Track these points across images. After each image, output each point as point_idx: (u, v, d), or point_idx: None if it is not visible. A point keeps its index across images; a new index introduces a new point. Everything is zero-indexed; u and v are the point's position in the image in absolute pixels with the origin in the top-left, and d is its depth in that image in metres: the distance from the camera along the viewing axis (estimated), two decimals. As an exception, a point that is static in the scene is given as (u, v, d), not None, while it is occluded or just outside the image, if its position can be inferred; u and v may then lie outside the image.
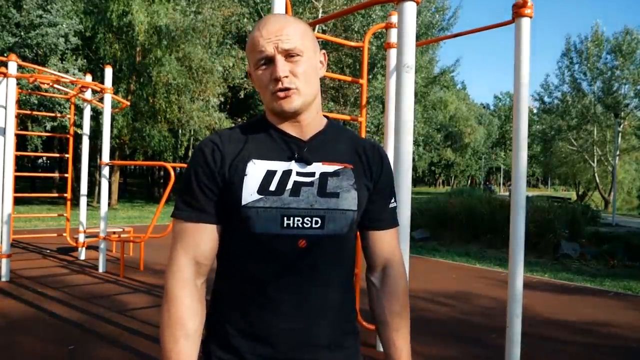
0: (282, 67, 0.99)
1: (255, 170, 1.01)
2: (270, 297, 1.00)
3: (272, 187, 1.00)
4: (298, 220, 0.99)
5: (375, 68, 20.26)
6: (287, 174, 1.02)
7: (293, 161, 1.03)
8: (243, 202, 0.99)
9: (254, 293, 1.00)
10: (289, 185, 1.01)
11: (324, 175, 1.03)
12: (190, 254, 1.02)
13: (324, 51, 1.11)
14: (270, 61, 1.00)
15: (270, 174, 1.01)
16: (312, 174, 1.03)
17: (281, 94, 1.00)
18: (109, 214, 6.91)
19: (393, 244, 1.15)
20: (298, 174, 1.02)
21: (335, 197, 1.02)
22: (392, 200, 1.15)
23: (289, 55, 1.00)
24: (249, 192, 0.99)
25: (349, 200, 1.03)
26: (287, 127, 1.06)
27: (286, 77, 0.99)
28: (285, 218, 0.99)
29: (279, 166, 1.02)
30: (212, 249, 1.04)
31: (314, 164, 1.04)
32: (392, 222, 1.15)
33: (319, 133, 1.08)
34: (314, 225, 1.00)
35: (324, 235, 1.01)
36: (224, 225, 1.05)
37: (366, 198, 1.08)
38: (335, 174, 1.04)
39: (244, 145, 1.05)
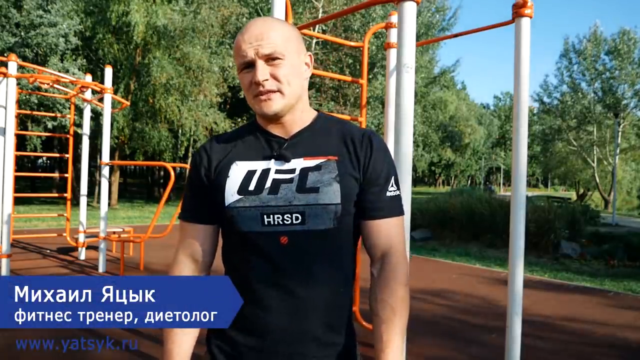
0: (262, 71, 1.01)
1: (237, 172, 1.05)
2: (257, 293, 1.03)
3: (251, 187, 1.03)
4: (278, 218, 1.01)
5: (375, 68, 20.26)
6: (265, 172, 1.05)
7: (272, 160, 1.06)
8: (226, 203, 1.03)
9: (242, 289, 1.01)
10: (268, 184, 1.03)
11: (305, 171, 1.04)
12: (187, 251, 1.11)
13: (309, 53, 1.12)
14: (251, 65, 1.03)
15: (250, 174, 1.05)
16: (292, 171, 1.04)
17: (262, 97, 1.03)
18: (109, 214, 6.91)
19: (392, 233, 1.08)
20: (277, 171, 1.05)
21: (314, 192, 1.02)
22: (391, 188, 1.09)
23: (269, 59, 1.02)
24: (230, 193, 1.03)
25: (330, 194, 1.01)
26: (272, 128, 1.09)
27: (266, 80, 1.02)
28: (265, 216, 1.01)
29: (259, 165, 1.06)
30: (208, 246, 1.11)
31: (295, 160, 1.05)
32: (390, 210, 1.08)
33: (304, 129, 1.10)
34: (294, 222, 1.01)
35: (305, 231, 1.01)
36: (219, 224, 1.12)
37: (355, 189, 1.05)
38: (316, 168, 1.04)
39: (231, 148, 1.10)
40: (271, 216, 1.01)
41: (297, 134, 1.09)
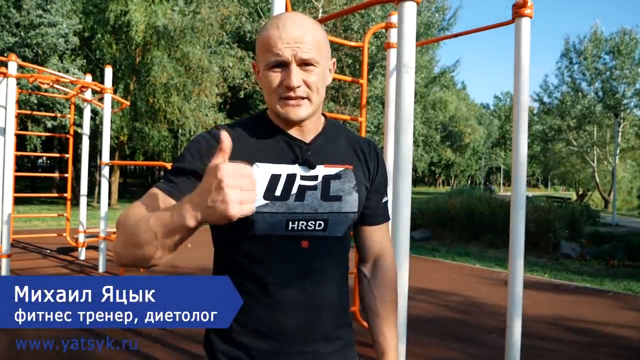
0: (297, 76, 0.98)
1: (260, 175, 1.00)
2: (273, 296, 1.02)
3: (278, 192, 1.01)
4: (302, 224, 1.02)
5: (375, 68, 20.26)
6: (291, 178, 1.03)
7: (297, 164, 1.04)
8: None
9: (257, 292, 1.01)
10: (294, 190, 1.02)
11: (327, 179, 1.05)
12: (149, 206, 0.95)
13: (334, 60, 1.10)
14: (284, 65, 0.98)
15: (275, 178, 1.01)
16: (315, 178, 1.04)
17: (291, 102, 1.00)
18: (109, 214, 6.92)
19: (385, 237, 1.20)
20: (302, 177, 1.03)
21: (338, 201, 1.04)
22: (385, 196, 1.19)
23: (304, 63, 0.99)
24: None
25: (351, 202, 1.06)
26: (290, 129, 1.07)
27: (299, 86, 0.99)
28: (290, 222, 1.01)
29: (283, 169, 1.03)
30: None
31: (317, 167, 1.05)
32: (385, 217, 1.19)
33: (320, 134, 1.10)
34: (317, 228, 1.03)
35: (326, 237, 1.04)
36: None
37: (365, 197, 1.11)
38: (337, 176, 1.06)
39: (246, 146, 1.03)
40: (296, 222, 1.01)
41: (315, 139, 1.08)
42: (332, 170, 1.06)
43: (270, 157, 1.03)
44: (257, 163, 1.01)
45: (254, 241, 1.01)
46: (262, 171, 1.01)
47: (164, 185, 0.99)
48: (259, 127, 1.07)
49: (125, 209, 0.96)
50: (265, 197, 0.99)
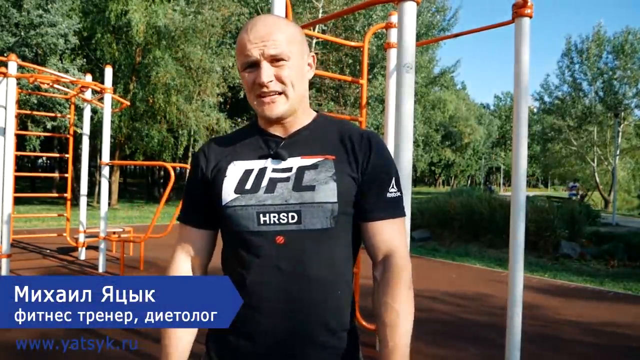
0: (267, 72, 1.01)
1: (234, 171, 1.05)
2: (252, 295, 1.00)
3: (248, 186, 1.02)
4: (274, 217, 1.00)
5: (375, 68, 20.27)
6: (262, 171, 1.04)
7: (269, 158, 1.06)
8: (223, 202, 1.03)
9: (238, 290, 0.99)
10: (264, 183, 1.02)
11: (301, 169, 1.03)
12: (184, 251, 1.12)
13: (312, 54, 1.12)
14: (255, 65, 1.02)
15: (247, 173, 1.04)
16: (288, 169, 1.04)
17: (266, 99, 1.03)
18: (109, 214, 6.94)
19: (392, 235, 1.06)
20: (274, 170, 1.04)
21: (310, 190, 1.00)
22: (391, 189, 1.07)
23: (274, 60, 1.01)
24: (227, 192, 1.03)
25: (327, 192, 0.99)
26: (272, 128, 1.09)
27: (270, 81, 1.01)
28: (261, 215, 1.00)
29: (256, 164, 1.05)
30: (203, 250, 1.12)
31: (291, 159, 1.05)
32: (390, 212, 1.06)
33: (302, 128, 1.09)
34: (290, 221, 0.99)
35: (301, 231, 0.99)
36: (216, 228, 1.12)
37: (353, 189, 1.04)
38: (313, 166, 1.03)
39: (230, 149, 1.10)
40: (267, 215, 1.00)
41: (294, 133, 1.09)
42: (309, 161, 1.04)
43: (247, 154, 1.07)
44: (234, 162, 1.07)
45: (233, 238, 1.04)
46: (237, 168, 1.05)
47: (181, 214, 1.15)
48: (246, 132, 1.13)
49: (171, 257, 1.14)
50: (236, 191, 1.02)
